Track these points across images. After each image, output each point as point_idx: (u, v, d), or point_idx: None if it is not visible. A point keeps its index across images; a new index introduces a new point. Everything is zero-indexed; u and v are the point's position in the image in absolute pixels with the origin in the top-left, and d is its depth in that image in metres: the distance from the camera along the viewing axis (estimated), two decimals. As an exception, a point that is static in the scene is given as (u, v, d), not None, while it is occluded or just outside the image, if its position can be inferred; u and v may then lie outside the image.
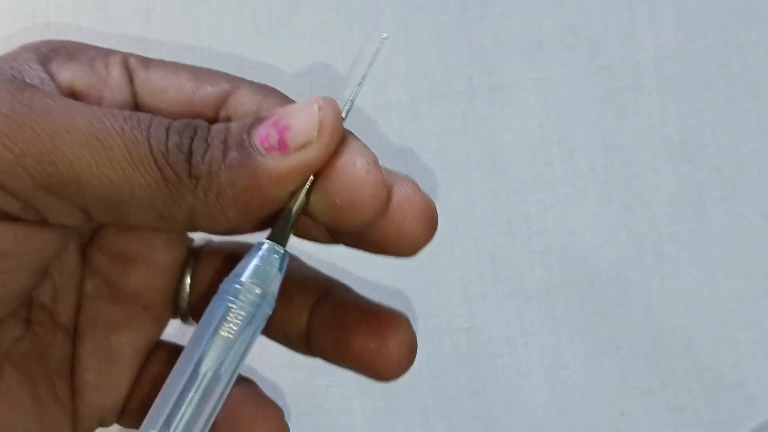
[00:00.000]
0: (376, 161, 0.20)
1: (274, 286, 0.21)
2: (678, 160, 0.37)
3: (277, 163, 0.19)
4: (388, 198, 0.20)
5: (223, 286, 0.21)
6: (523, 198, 0.37)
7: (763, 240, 0.37)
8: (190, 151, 0.19)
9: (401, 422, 0.35)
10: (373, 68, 0.23)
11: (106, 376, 0.24)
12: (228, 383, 0.21)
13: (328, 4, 0.38)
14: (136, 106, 0.22)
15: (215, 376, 0.20)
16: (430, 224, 0.22)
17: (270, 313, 0.21)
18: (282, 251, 0.21)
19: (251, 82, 0.22)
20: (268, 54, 0.38)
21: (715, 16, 0.38)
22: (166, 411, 0.20)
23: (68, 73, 0.21)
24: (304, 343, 0.24)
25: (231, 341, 0.20)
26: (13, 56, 0.21)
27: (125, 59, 0.22)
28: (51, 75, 0.21)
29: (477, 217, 0.37)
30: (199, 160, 0.19)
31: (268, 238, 0.21)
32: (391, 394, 0.35)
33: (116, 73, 0.22)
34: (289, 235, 0.21)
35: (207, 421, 0.20)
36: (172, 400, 0.20)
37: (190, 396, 0.20)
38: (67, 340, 0.24)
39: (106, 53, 0.22)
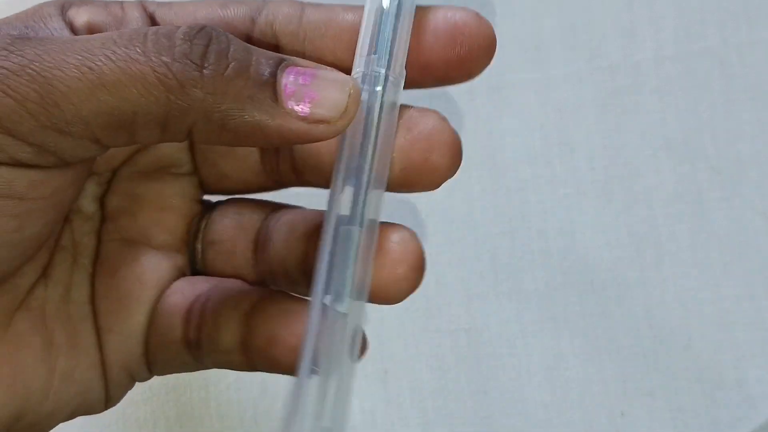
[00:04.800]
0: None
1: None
2: (678, 160, 0.37)
3: (291, 124, 0.19)
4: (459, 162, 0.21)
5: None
6: (523, 198, 0.37)
7: (763, 240, 0.37)
8: (202, 60, 0.19)
9: (401, 422, 0.35)
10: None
11: (122, 321, 0.24)
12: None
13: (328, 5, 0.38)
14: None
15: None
16: (455, 157, 0.22)
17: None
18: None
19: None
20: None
21: (715, 16, 0.38)
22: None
23: (85, 16, 0.21)
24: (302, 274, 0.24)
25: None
26: (34, 11, 0.21)
27: (142, 3, 0.22)
28: (70, 22, 0.21)
29: (477, 217, 0.37)
30: (212, 71, 0.19)
31: None
32: (391, 394, 0.35)
33: (135, 14, 0.22)
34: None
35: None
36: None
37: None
38: (88, 286, 0.24)
39: None
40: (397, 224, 0.22)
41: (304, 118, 0.19)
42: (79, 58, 0.18)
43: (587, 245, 0.37)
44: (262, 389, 0.35)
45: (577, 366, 0.36)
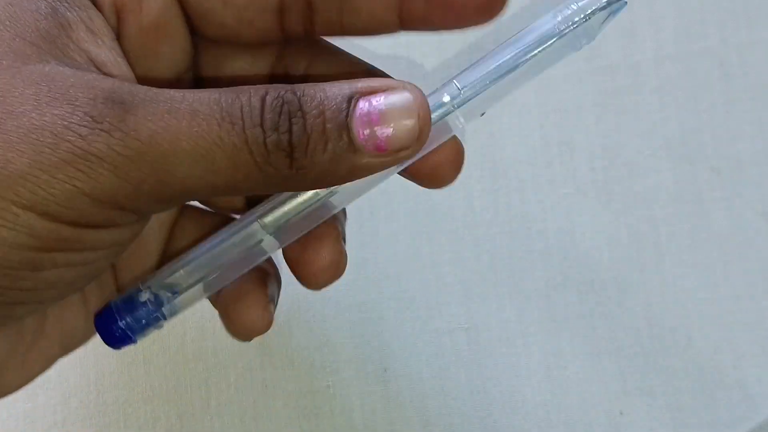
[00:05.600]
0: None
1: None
2: (678, 160, 0.37)
3: (374, 161, 0.21)
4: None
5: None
6: (523, 198, 0.37)
7: (763, 240, 0.37)
8: (291, 147, 0.20)
9: (401, 422, 0.35)
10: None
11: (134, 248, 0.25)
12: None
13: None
14: (185, 3, 0.23)
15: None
16: (459, 168, 0.24)
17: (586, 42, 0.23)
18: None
19: None
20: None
21: (715, 16, 0.38)
22: None
23: None
24: None
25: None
26: None
27: None
28: None
29: (477, 217, 0.37)
30: (300, 156, 0.20)
31: None
32: (391, 394, 0.35)
33: None
34: None
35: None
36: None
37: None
38: None
39: None
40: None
41: (383, 154, 0.21)
42: (192, 141, 0.19)
43: (587, 245, 0.37)
44: (263, 388, 0.35)
45: (577, 365, 0.36)
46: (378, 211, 0.37)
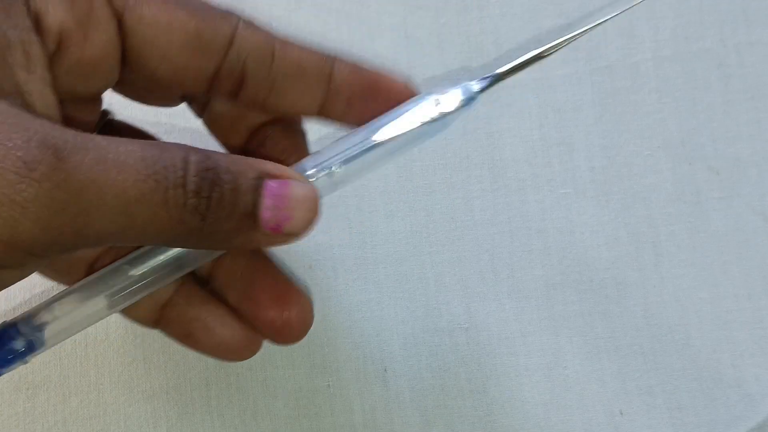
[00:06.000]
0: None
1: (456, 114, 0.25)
2: (677, 160, 0.37)
3: (266, 240, 0.23)
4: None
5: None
6: (522, 198, 0.37)
7: (762, 240, 0.37)
8: (207, 212, 0.21)
9: (401, 422, 0.35)
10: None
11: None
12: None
13: (328, 5, 0.39)
14: (127, 44, 0.23)
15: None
16: (308, 326, 0.27)
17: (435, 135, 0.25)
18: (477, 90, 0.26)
19: (247, 21, 0.24)
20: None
21: (714, 17, 0.38)
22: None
23: (54, 13, 0.22)
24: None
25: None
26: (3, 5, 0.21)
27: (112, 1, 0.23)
28: (37, 16, 0.21)
29: (476, 217, 0.37)
30: (212, 221, 0.21)
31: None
32: (391, 394, 0.36)
33: (103, 13, 0.22)
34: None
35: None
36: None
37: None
38: None
39: None
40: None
41: (278, 236, 0.23)
42: (117, 196, 0.20)
43: (586, 244, 0.37)
44: (263, 389, 0.35)
45: (576, 365, 0.36)
46: (378, 211, 0.37)
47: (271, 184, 0.22)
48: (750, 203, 0.37)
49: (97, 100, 0.25)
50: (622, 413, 0.35)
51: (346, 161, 0.24)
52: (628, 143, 0.38)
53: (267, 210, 0.22)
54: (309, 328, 0.26)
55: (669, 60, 0.38)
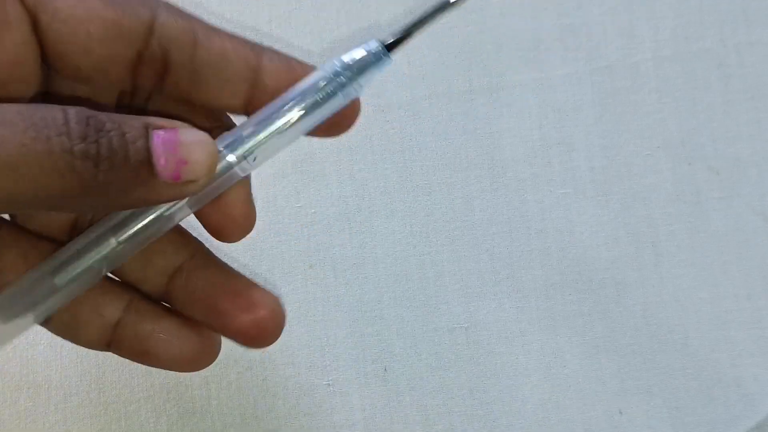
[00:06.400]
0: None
1: (366, 78, 0.24)
2: (676, 160, 0.37)
3: (168, 190, 0.22)
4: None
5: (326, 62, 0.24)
6: (522, 198, 0.37)
7: (761, 239, 0.37)
8: (98, 157, 0.20)
9: (401, 422, 0.35)
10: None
11: None
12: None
13: (328, 5, 0.39)
14: (45, 42, 0.22)
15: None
16: (249, 226, 0.25)
17: (352, 98, 0.24)
18: (386, 55, 0.24)
19: (169, 7, 0.23)
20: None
21: (714, 17, 0.38)
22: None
23: None
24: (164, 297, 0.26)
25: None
26: None
27: None
28: None
29: (476, 217, 0.37)
30: (106, 168, 0.21)
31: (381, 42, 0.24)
32: (391, 393, 0.36)
33: (10, 6, 0.22)
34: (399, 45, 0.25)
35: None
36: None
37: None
38: None
39: None
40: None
41: (177, 182, 0.22)
42: None
43: (586, 244, 0.37)
44: (263, 388, 0.35)
45: (576, 364, 0.36)
46: (378, 211, 0.37)
47: (159, 132, 0.21)
48: (750, 203, 0.37)
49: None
50: (621, 413, 0.36)
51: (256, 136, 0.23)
52: (628, 143, 0.38)
53: (160, 157, 0.21)
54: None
55: (669, 60, 0.38)
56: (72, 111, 0.20)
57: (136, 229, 0.23)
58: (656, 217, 0.37)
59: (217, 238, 0.25)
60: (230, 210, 0.24)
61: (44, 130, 0.20)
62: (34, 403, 0.35)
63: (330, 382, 0.36)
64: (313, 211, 0.37)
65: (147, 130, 0.21)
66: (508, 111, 0.38)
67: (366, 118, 0.38)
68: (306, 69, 0.24)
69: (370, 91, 0.25)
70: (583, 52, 0.38)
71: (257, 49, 0.24)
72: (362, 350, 0.36)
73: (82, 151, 0.20)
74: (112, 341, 0.26)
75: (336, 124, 0.25)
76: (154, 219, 0.23)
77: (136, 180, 0.21)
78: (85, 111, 0.21)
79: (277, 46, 0.39)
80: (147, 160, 0.21)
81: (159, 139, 0.21)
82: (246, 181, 0.24)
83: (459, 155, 0.37)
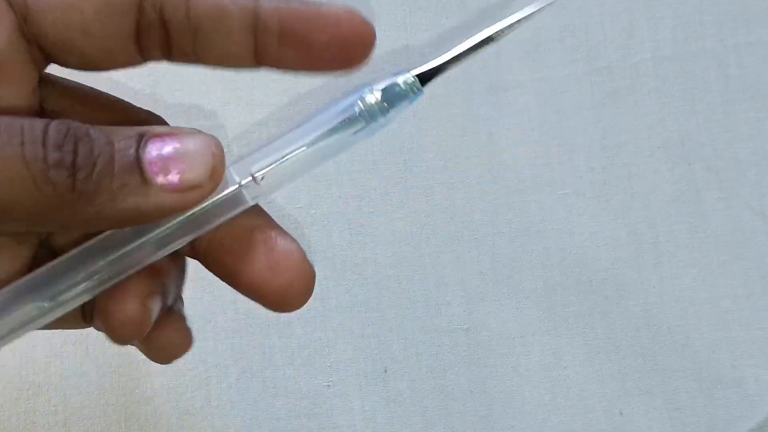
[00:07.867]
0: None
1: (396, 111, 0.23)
2: (676, 160, 0.37)
3: (165, 199, 0.20)
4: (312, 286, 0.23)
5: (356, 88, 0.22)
6: (522, 198, 0.37)
7: (761, 240, 0.37)
8: (74, 167, 0.19)
9: (401, 422, 0.35)
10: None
11: None
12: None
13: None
14: (40, 34, 0.21)
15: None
16: (309, 291, 0.23)
17: (377, 131, 0.23)
18: (419, 89, 0.23)
19: None
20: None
21: (713, 17, 0.38)
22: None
23: None
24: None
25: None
26: None
27: None
28: None
29: (476, 218, 0.37)
30: (84, 177, 0.19)
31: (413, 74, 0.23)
32: (391, 394, 0.36)
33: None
34: (432, 79, 0.23)
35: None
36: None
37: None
38: None
39: None
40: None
41: (176, 189, 0.20)
42: None
43: (586, 245, 0.37)
44: (263, 388, 0.35)
45: (576, 365, 0.36)
46: (378, 211, 0.37)
47: (155, 139, 0.20)
48: (749, 203, 0.37)
49: (31, 108, 0.23)
50: (621, 413, 0.36)
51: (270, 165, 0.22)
52: (627, 143, 0.38)
53: (152, 162, 0.20)
54: (311, 293, 0.23)
55: (669, 60, 0.38)
56: (54, 122, 0.19)
57: (122, 252, 0.21)
58: (656, 218, 0.37)
59: (275, 310, 0.23)
60: (287, 274, 0.22)
61: (18, 136, 0.19)
62: (34, 404, 0.35)
63: (330, 383, 0.36)
64: (313, 211, 0.37)
65: (141, 137, 0.20)
66: (507, 111, 0.38)
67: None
68: (305, 4, 0.22)
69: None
70: (582, 53, 0.38)
71: None
72: (362, 351, 0.36)
73: (56, 160, 0.19)
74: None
75: (346, 55, 0.22)
76: (143, 242, 0.21)
77: (124, 189, 0.20)
78: (68, 122, 0.20)
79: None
80: (135, 167, 0.20)
81: (154, 145, 0.20)
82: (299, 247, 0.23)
83: (459, 155, 0.38)
